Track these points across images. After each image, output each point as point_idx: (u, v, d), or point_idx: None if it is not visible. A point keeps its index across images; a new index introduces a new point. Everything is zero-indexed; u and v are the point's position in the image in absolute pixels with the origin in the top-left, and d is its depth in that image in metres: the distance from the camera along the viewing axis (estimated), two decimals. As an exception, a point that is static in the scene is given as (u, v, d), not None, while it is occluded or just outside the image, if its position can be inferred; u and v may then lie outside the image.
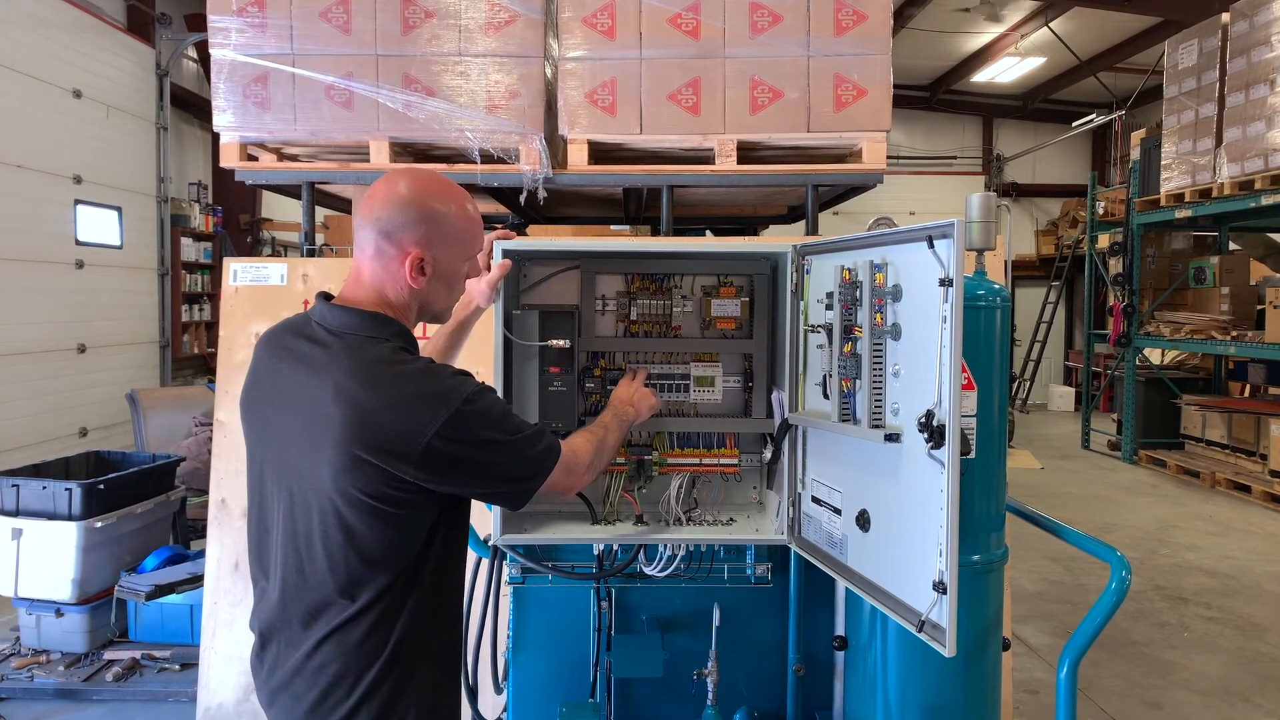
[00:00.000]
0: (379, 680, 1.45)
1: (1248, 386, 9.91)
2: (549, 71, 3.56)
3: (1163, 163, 8.66)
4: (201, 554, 3.85)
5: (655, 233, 4.91)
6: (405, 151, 3.61)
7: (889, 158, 3.61)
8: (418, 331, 1.64)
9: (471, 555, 2.44)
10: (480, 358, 2.18)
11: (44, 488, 4.11)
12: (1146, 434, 9.89)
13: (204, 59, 10.19)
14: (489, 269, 2.03)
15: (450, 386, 1.46)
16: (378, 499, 1.42)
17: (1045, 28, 11.54)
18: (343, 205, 4.75)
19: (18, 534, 4.07)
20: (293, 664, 1.47)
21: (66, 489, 4.09)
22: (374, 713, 1.44)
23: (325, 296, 1.57)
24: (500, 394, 2.17)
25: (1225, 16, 7.82)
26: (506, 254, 2.06)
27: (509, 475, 1.55)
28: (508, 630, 2.47)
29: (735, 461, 2.36)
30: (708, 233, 5.55)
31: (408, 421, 1.40)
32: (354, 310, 1.52)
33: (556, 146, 3.55)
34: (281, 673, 1.49)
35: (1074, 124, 13.76)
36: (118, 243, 8.89)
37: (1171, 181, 8.52)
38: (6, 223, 7.23)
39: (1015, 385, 13.87)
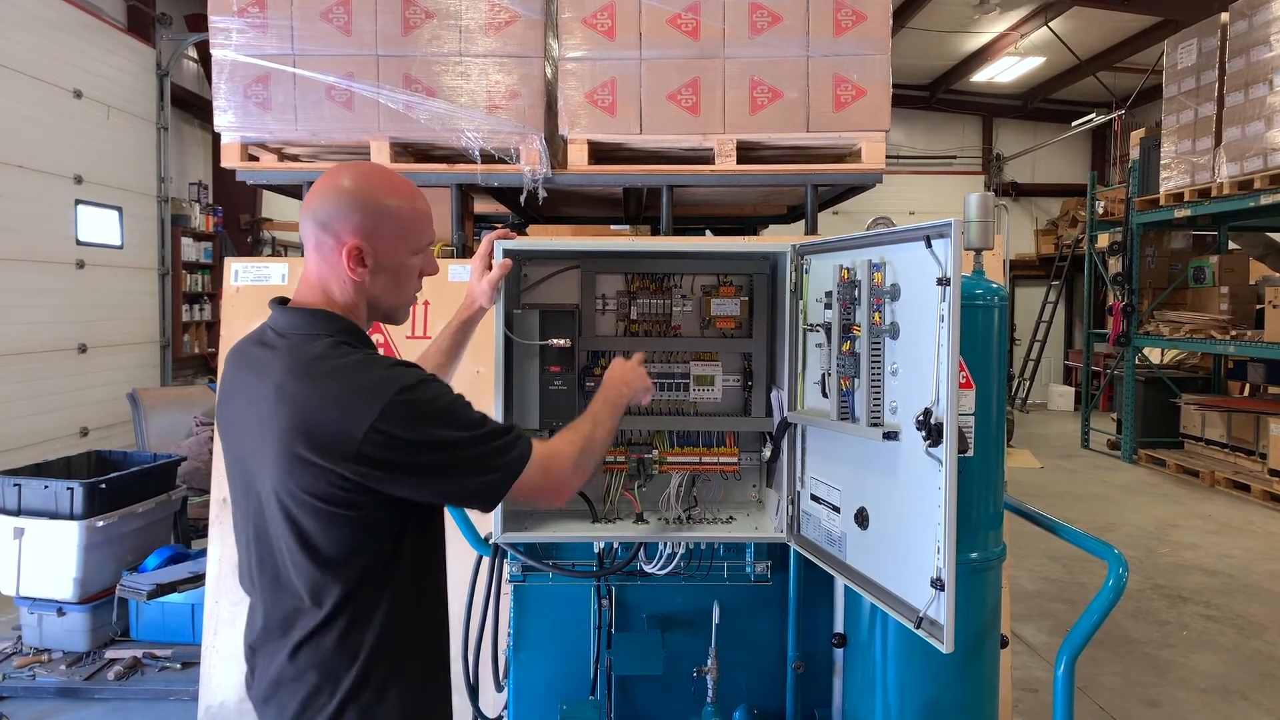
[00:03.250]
0: (358, 687, 1.40)
1: (1247, 386, 9.92)
2: (549, 72, 3.57)
3: (1162, 162, 8.67)
4: (203, 553, 3.86)
5: (655, 232, 4.92)
6: (406, 151, 3.62)
7: (888, 157, 3.61)
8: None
9: (473, 553, 2.47)
10: (481, 357, 2.20)
11: (45, 487, 4.12)
12: (1146, 433, 9.90)
13: (204, 59, 10.21)
14: (490, 269, 2.03)
15: (386, 377, 1.36)
16: (324, 500, 1.36)
17: (1045, 27, 11.54)
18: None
19: (19, 533, 4.08)
20: (274, 673, 1.44)
21: (68, 488, 4.10)
22: (357, 715, 1.40)
23: (280, 301, 1.54)
24: (501, 393, 2.19)
25: (1224, 16, 7.83)
26: (507, 254, 2.07)
27: (462, 474, 1.41)
28: (508, 628, 2.48)
29: (735, 460, 2.37)
30: (707, 232, 5.56)
31: (342, 417, 1.33)
32: (299, 310, 1.49)
33: (556, 146, 3.56)
34: (264, 683, 1.46)
35: (1074, 123, 13.76)
36: (118, 243, 8.90)
37: (1171, 181, 8.53)
38: (7, 223, 7.24)
39: (1014, 384, 13.88)
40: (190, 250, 10.19)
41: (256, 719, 1.52)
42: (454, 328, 1.99)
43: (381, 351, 2.27)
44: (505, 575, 2.43)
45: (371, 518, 1.39)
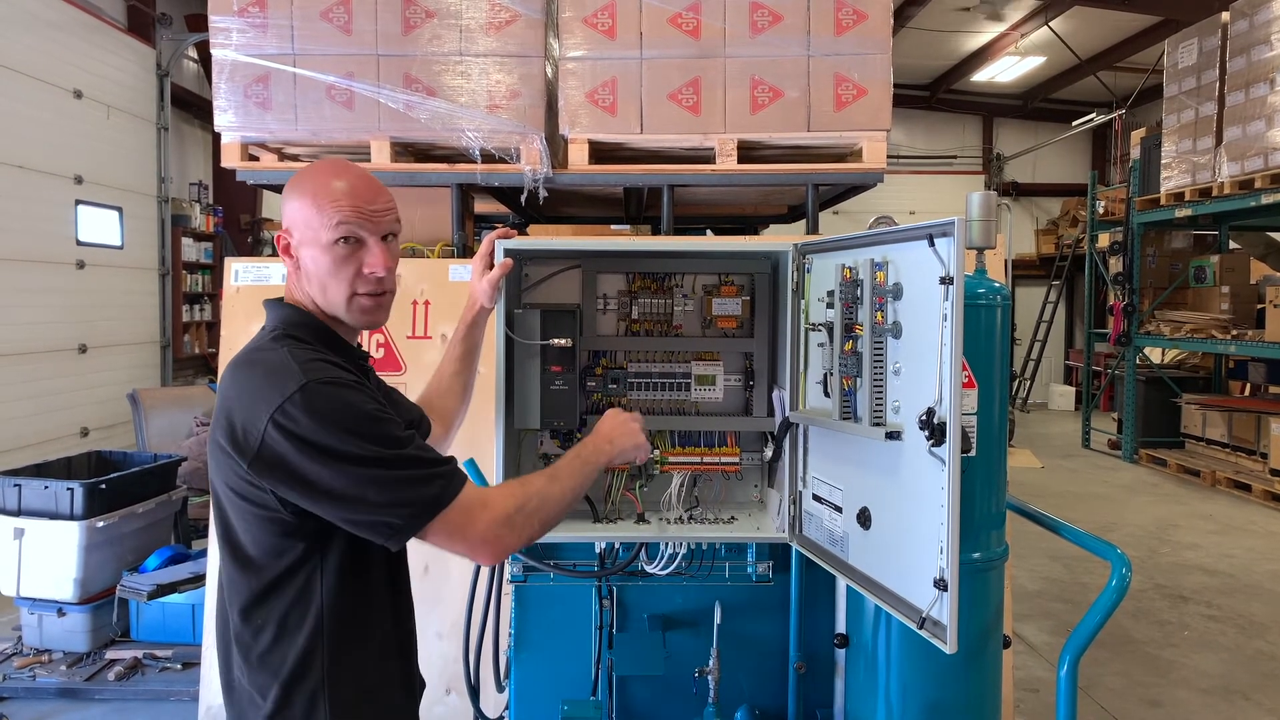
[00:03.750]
0: (284, 699, 1.32)
1: (1248, 385, 9.91)
2: (550, 71, 3.56)
3: (1163, 162, 8.67)
4: (203, 553, 3.86)
5: (656, 232, 4.91)
6: (406, 151, 3.61)
7: (889, 157, 3.61)
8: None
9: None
10: (482, 357, 2.19)
11: (46, 487, 4.12)
12: (1147, 433, 9.90)
13: (204, 59, 10.21)
14: (491, 268, 2.03)
15: (298, 371, 1.27)
16: (239, 495, 1.30)
17: (1045, 27, 11.54)
18: (344, 205, 4.74)
19: (20, 533, 4.08)
20: (223, 680, 1.41)
21: (68, 489, 4.09)
22: None
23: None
24: (502, 393, 2.18)
25: (1225, 16, 7.83)
26: (508, 253, 2.07)
27: (364, 497, 1.25)
28: (509, 628, 2.47)
29: (736, 460, 2.37)
30: (708, 232, 5.55)
31: (248, 410, 1.26)
32: (270, 304, 1.49)
33: (557, 146, 3.55)
34: (222, 688, 1.42)
35: (1074, 123, 13.76)
36: (119, 243, 8.91)
37: (1172, 180, 8.52)
38: (7, 223, 7.24)
39: (1015, 384, 13.88)
40: (190, 250, 10.19)
41: None
42: (461, 333, 1.99)
43: (382, 354, 2.26)
44: (506, 575, 2.43)
45: (286, 519, 1.29)
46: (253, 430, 1.25)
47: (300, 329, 1.41)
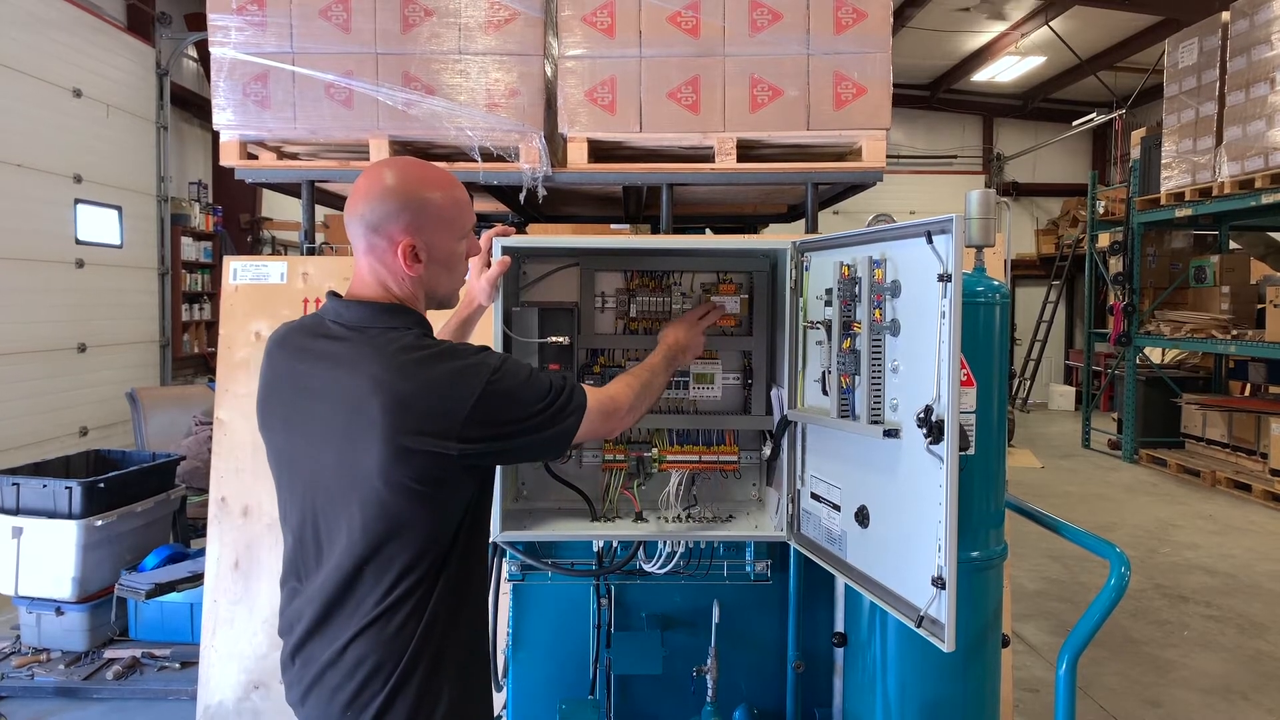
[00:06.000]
0: (412, 666, 1.47)
1: (1248, 385, 9.91)
2: (549, 70, 3.56)
3: (1163, 161, 8.66)
4: (201, 552, 3.85)
5: (655, 231, 4.91)
6: (405, 150, 3.60)
7: (889, 157, 3.60)
8: None
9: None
10: (479, 355, 2.19)
11: (44, 486, 4.11)
12: (1147, 433, 9.89)
13: (204, 58, 10.20)
14: (489, 265, 2.02)
15: (478, 362, 1.51)
16: (426, 483, 1.45)
17: (1045, 26, 11.53)
18: (342, 204, 4.73)
19: (18, 532, 4.08)
20: (326, 658, 1.48)
21: (67, 487, 4.09)
22: (410, 699, 1.46)
23: (335, 295, 1.60)
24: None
25: (1225, 15, 7.83)
26: (506, 251, 2.06)
27: (546, 430, 1.58)
28: (507, 627, 2.47)
29: (735, 458, 2.36)
30: (707, 231, 5.54)
31: (444, 402, 1.45)
32: (369, 304, 1.55)
33: (556, 145, 3.54)
34: (313, 668, 1.50)
35: (1074, 123, 13.75)
36: (118, 242, 8.90)
37: (1172, 180, 8.52)
38: (6, 222, 7.23)
39: (1015, 384, 13.87)
40: (190, 249, 10.19)
41: (298, 705, 1.54)
42: (452, 326, 1.99)
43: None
44: (504, 574, 2.42)
45: (455, 499, 1.50)
46: (454, 416, 1.45)
47: (422, 325, 1.58)
